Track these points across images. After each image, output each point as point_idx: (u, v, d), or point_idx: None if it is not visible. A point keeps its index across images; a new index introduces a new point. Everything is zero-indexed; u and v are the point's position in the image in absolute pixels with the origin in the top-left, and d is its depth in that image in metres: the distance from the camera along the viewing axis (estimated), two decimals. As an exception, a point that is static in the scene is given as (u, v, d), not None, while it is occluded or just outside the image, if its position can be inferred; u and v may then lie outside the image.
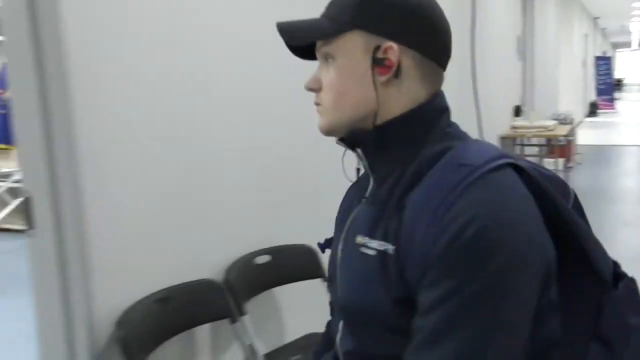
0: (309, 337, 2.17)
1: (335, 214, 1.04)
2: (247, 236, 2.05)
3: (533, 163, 0.91)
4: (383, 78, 0.86)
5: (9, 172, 5.42)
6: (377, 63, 0.85)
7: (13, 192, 5.22)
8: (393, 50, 0.84)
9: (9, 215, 5.18)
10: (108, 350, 1.49)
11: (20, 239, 5.30)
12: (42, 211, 1.41)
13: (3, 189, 5.18)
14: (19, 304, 3.82)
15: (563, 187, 0.92)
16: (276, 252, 2.14)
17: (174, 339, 1.70)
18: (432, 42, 0.87)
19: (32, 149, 1.38)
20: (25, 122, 1.38)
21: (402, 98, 0.87)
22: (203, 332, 1.88)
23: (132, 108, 1.57)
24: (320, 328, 1.07)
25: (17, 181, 5.20)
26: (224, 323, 1.87)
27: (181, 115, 1.75)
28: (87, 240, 1.44)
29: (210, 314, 1.81)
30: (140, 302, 1.58)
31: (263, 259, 2.09)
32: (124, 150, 1.54)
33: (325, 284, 2.24)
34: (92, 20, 1.43)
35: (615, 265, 0.93)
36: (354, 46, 0.86)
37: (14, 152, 5.58)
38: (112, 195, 1.50)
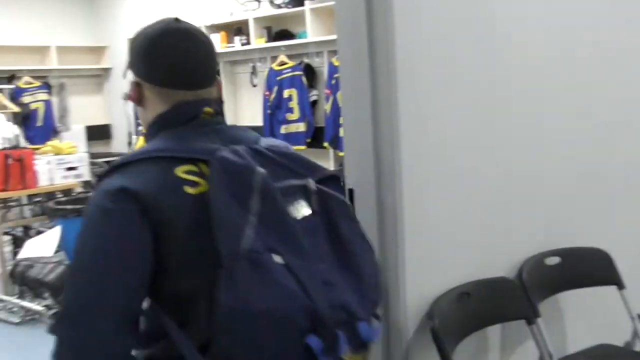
0: (601, 348, 2.02)
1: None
2: (539, 235, 1.97)
3: (233, 154, 1.06)
4: (137, 105, 1.19)
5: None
6: (126, 96, 1.22)
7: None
8: (131, 86, 1.18)
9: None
10: (418, 338, 1.55)
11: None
12: (363, 202, 1.51)
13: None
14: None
15: (240, 173, 1.05)
16: (566, 254, 2.03)
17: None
18: (162, 75, 1.14)
19: (360, 147, 1.49)
20: (355, 121, 1.49)
21: (152, 114, 1.16)
22: (494, 330, 1.86)
23: (451, 110, 1.61)
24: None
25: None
26: (515, 323, 1.83)
27: (498, 119, 1.75)
28: (403, 232, 1.51)
29: (507, 313, 1.78)
30: (445, 295, 1.61)
31: (553, 260, 2.00)
32: (441, 150, 1.58)
33: (620, 291, 2.06)
34: (422, 24, 1.49)
35: (256, 250, 0.99)
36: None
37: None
38: (427, 191, 1.55)
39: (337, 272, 1.09)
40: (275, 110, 5.99)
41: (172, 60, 1.14)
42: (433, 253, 1.60)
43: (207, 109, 1.16)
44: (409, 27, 1.49)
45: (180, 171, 1.06)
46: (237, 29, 6.31)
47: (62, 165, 4.12)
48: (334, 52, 5.58)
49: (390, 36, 1.44)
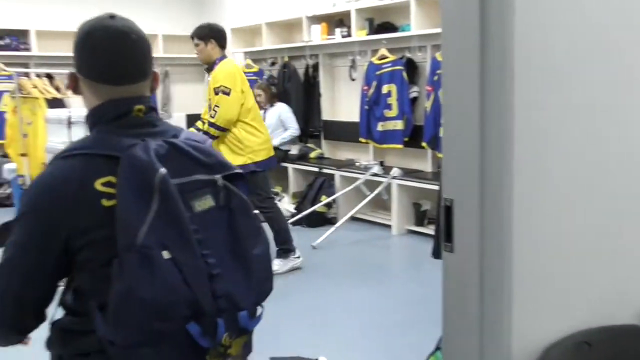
0: None
1: None
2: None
3: (142, 151, 1.17)
4: (74, 93, 1.32)
5: (368, 165, 5.76)
6: (67, 85, 1.46)
7: (369, 185, 5.51)
8: (68, 75, 1.30)
9: (364, 206, 5.48)
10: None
11: (371, 229, 5.61)
12: (462, 221, 1.24)
13: (361, 181, 5.50)
14: (370, 294, 3.95)
15: (144, 171, 1.16)
16: None
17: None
18: (91, 70, 1.24)
19: (462, 154, 1.22)
20: (458, 123, 1.22)
21: (89, 104, 1.28)
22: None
23: (580, 113, 1.30)
24: None
25: (374, 174, 5.48)
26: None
27: (637, 128, 1.42)
28: (510, 263, 1.22)
29: (637, 371, 1.43)
30: (559, 344, 1.30)
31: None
32: (562, 161, 1.27)
33: None
34: (542, 12, 1.19)
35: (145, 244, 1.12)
36: None
37: (371, 146, 5.92)
38: (542, 215, 1.25)
39: (229, 264, 1.24)
40: (372, 106, 5.74)
41: (99, 56, 1.23)
42: (547, 290, 1.29)
43: (138, 107, 1.25)
44: (529, 15, 1.20)
45: (99, 184, 1.17)
46: (339, 20, 6.11)
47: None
48: (438, 47, 5.25)
49: (508, 26, 1.16)
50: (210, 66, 4.18)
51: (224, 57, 4.17)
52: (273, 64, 7.14)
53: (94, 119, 1.27)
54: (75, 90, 1.29)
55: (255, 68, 7.16)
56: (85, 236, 1.17)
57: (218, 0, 8.29)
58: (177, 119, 7.92)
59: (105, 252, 1.15)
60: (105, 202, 1.16)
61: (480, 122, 1.19)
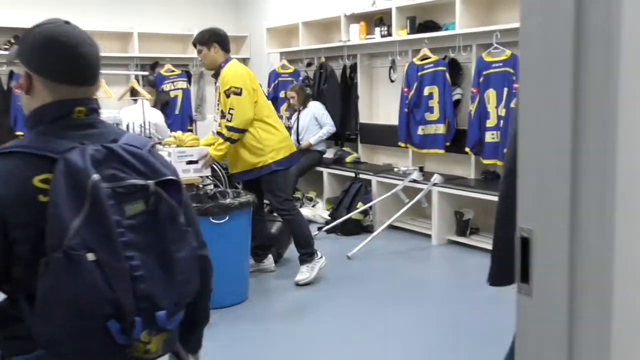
0: None
1: None
2: None
3: (79, 155, 1.25)
4: (24, 92, 1.36)
5: (407, 170, 5.49)
6: (16, 85, 1.40)
7: (408, 192, 5.23)
8: (22, 76, 1.35)
9: (402, 214, 5.21)
10: None
11: (410, 239, 5.33)
12: (544, 260, 0.97)
13: (399, 187, 5.23)
14: (407, 313, 3.66)
15: (78, 176, 1.22)
16: None
17: None
18: (52, 70, 1.32)
19: (544, 174, 0.95)
20: (540, 136, 0.96)
21: (36, 103, 1.34)
22: None
23: None
24: None
25: (413, 181, 5.21)
26: None
27: None
28: (610, 315, 0.94)
29: None
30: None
31: None
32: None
33: None
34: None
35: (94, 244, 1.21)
36: (20, 71, 1.37)
37: (410, 151, 5.65)
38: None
39: (152, 266, 1.30)
40: (413, 109, 5.46)
41: (60, 57, 1.32)
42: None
43: (79, 108, 1.35)
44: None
45: (38, 180, 1.26)
46: (379, 19, 5.86)
47: (182, 158, 3.87)
48: (483, 46, 4.94)
49: (614, 14, 0.89)
50: (216, 71, 4.05)
51: (228, 59, 4.04)
52: (309, 64, 6.92)
53: (34, 120, 1.34)
54: (29, 90, 1.34)
55: (291, 69, 6.97)
56: (23, 230, 1.25)
57: (254, 1, 8.12)
58: (210, 120, 7.78)
59: (38, 247, 1.23)
60: (42, 198, 1.25)
61: (572, 132, 0.92)
